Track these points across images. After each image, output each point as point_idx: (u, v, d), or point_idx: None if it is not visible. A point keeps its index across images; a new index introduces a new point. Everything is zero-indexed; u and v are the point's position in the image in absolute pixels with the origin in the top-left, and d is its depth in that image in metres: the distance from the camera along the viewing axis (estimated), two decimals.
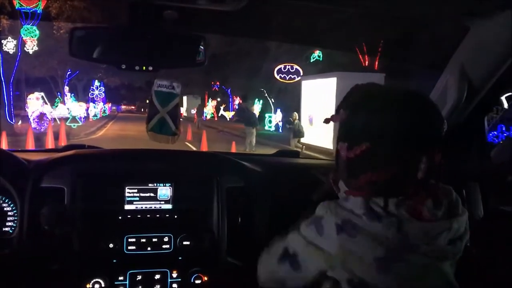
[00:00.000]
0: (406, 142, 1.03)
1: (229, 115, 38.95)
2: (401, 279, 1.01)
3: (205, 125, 27.27)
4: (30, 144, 12.17)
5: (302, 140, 15.61)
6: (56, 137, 14.10)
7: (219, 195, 1.75)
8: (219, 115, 40.82)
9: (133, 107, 68.42)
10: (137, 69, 1.43)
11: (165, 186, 1.72)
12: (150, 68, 1.46)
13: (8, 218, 1.61)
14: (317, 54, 22.05)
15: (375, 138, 1.04)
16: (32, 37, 15.96)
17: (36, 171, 1.63)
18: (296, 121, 15.43)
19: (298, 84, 19.92)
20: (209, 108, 41.34)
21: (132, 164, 1.80)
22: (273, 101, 28.81)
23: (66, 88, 30.67)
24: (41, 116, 17.35)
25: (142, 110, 65.67)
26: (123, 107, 69.38)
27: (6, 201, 1.62)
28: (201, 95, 43.35)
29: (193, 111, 35.97)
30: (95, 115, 32.05)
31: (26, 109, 18.67)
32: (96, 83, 38.24)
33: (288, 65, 22.78)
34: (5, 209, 1.62)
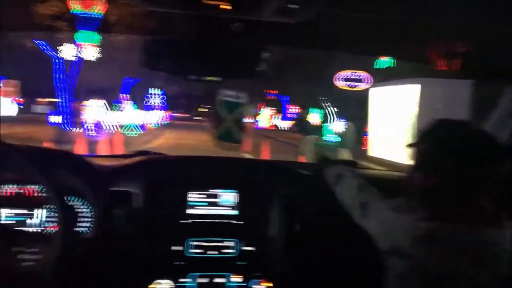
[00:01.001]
0: (480, 181, 1.19)
1: (284, 124, 37.85)
2: None
3: (260, 134, 26.27)
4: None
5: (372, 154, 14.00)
6: (107, 147, 13.50)
7: (278, 202, 1.81)
8: (274, 124, 39.77)
9: (187, 115, 69.20)
10: (204, 80, 1.51)
11: (227, 192, 1.84)
12: (216, 79, 1.52)
13: (82, 220, 1.70)
14: (388, 59, 20.20)
15: (452, 174, 1.20)
16: (90, 42, 15.61)
17: (109, 176, 1.77)
18: (346, 131, 14.53)
19: (366, 92, 18.47)
20: (264, 117, 40.35)
21: (195, 170, 1.90)
22: (335, 110, 27.26)
23: (127, 96, 30.82)
24: (98, 124, 17.00)
25: (201, 118, 66.53)
26: (179, 115, 70.40)
27: (83, 203, 1.71)
28: (256, 104, 42.60)
29: (249, 120, 35.24)
30: (154, 123, 31.95)
31: (84, 116, 18.46)
32: (157, 91, 38.47)
33: (354, 72, 21.09)
34: (79, 210, 1.70)
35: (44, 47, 14.77)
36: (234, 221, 1.83)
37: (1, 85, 16.43)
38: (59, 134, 15.64)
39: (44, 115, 26.20)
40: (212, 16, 1.44)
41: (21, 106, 44.78)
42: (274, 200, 1.82)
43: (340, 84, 21.38)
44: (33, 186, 1.73)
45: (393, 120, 13.54)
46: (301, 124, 15.93)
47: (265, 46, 1.55)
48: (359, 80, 20.81)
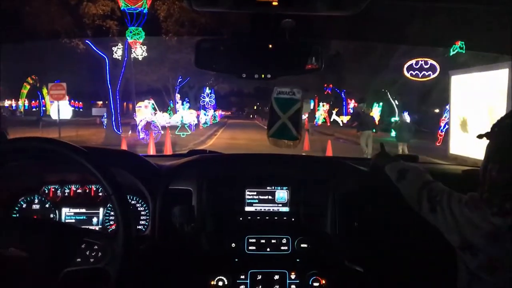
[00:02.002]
0: None
1: (342, 119, 36.36)
2: None
3: (317, 131, 25.00)
4: None
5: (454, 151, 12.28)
6: (159, 148, 12.66)
7: (335, 199, 1.79)
8: (331, 120, 38.39)
9: (229, 113, 69.06)
10: (257, 78, 1.44)
11: (282, 189, 1.83)
12: (269, 76, 1.46)
13: (142, 217, 1.77)
14: (458, 45, 18.09)
15: None
16: (138, 39, 14.83)
17: (167, 175, 1.78)
18: (400, 122, 13.94)
19: (432, 82, 17.11)
20: (321, 112, 38.95)
21: (251, 168, 1.91)
22: (397, 103, 25.36)
23: (177, 96, 30.41)
24: (148, 125, 16.32)
25: (251, 116, 66.28)
26: (230, 113, 70.31)
27: (140, 201, 1.78)
28: (311, 99, 41.19)
29: (304, 117, 34.19)
30: (205, 123, 31.31)
31: (135, 117, 17.87)
32: (207, 90, 38.08)
33: (421, 60, 19.07)
34: (139, 209, 1.77)
35: (95, 48, 14.18)
36: (289, 218, 1.82)
37: (51, 88, 15.95)
38: (111, 136, 15.10)
39: (98, 118, 26.33)
40: (264, 14, 1.42)
41: (80, 109, 46.51)
42: (332, 197, 1.80)
43: (405, 74, 19.50)
44: (93, 186, 1.81)
45: (477, 111, 11.63)
46: (360, 119, 14.85)
47: (318, 41, 1.51)
48: (427, 69, 18.78)
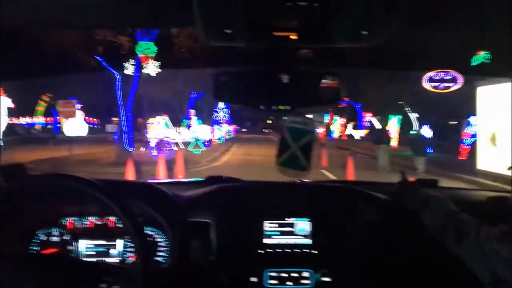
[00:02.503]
0: None
1: (358, 133, 35.93)
2: None
3: (333, 145, 24.33)
4: (130, 175, 10.44)
5: (482, 167, 11.61)
6: (171, 166, 12.20)
7: (357, 230, 1.75)
8: (347, 133, 37.76)
9: (253, 129, 69.13)
10: (275, 110, 1.45)
11: (303, 221, 1.79)
12: (288, 108, 1.47)
13: (160, 249, 1.74)
14: (482, 55, 17.39)
15: None
16: (149, 54, 14.52)
17: (185, 207, 1.78)
18: (416, 135, 13.69)
19: (452, 93, 16.38)
20: (336, 126, 38.33)
21: (270, 198, 1.88)
22: (416, 116, 24.65)
23: (191, 111, 30.08)
24: (160, 142, 15.93)
25: (265, 130, 66.01)
26: (244, 129, 70.19)
27: (158, 233, 1.75)
28: (326, 113, 40.56)
29: (319, 131, 33.69)
30: (219, 138, 30.92)
31: (146, 134, 17.51)
32: (221, 105, 37.78)
33: (442, 72, 18.39)
34: (158, 239, 1.75)
35: (106, 64, 13.84)
36: (310, 251, 1.77)
37: (59, 106, 15.70)
38: (122, 153, 14.69)
39: (111, 134, 26.14)
40: (281, 46, 1.41)
41: (96, 126, 46.74)
42: (354, 227, 1.76)
43: (425, 85, 18.85)
44: (111, 218, 1.81)
45: (508, 124, 10.87)
46: (376, 133, 15.67)
47: (335, 71, 1.46)
48: (448, 80, 18.09)
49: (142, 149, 17.79)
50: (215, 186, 1.96)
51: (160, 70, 18.82)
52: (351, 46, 1.49)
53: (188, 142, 21.10)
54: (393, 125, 26.46)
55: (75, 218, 1.83)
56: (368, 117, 35.71)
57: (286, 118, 1.81)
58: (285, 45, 1.39)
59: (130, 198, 1.38)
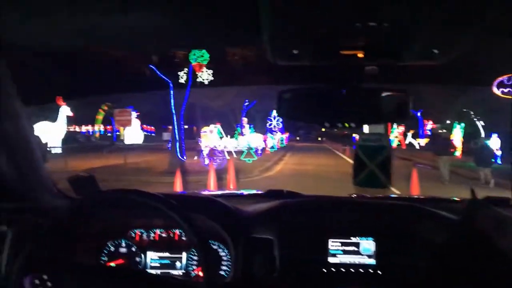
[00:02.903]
0: None
1: (419, 142, 34.53)
2: None
3: (393, 155, 23.04)
4: (178, 186, 10.17)
5: None
6: (222, 175, 11.83)
7: (424, 251, 1.70)
8: (407, 142, 36.19)
9: (306, 137, 68.74)
10: (340, 127, 1.44)
11: (368, 240, 1.74)
12: (353, 125, 1.43)
13: (224, 263, 1.78)
14: None
15: None
16: (202, 62, 14.33)
17: (249, 222, 1.77)
18: (480, 144, 13.25)
19: None
20: (395, 135, 36.77)
21: (334, 216, 1.83)
22: (483, 124, 22.94)
23: (244, 120, 29.90)
24: (212, 151, 15.68)
25: (319, 139, 65.14)
26: (297, 137, 69.68)
27: (222, 247, 1.79)
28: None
29: None
30: (272, 147, 30.43)
31: (199, 143, 17.36)
32: (274, 113, 37.40)
33: None
34: (221, 253, 1.78)
35: (159, 73, 13.81)
36: (375, 271, 1.72)
37: (116, 114, 15.89)
38: (175, 162, 14.58)
39: (166, 142, 26.46)
40: (349, 63, 1.38)
41: (152, 134, 48.00)
42: (421, 248, 1.69)
43: (494, 91, 17.36)
44: (176, 231, 1.86)
45: None
46: (438, 142, 14.21)
47: (403, 88, 1.41)
48: None
49: (195, 158, 17.67)
50: (278, 202, 1.93)
51: (213, 78, 18.79)
52: (420, 64, 1.47)
53: (240, 151, 20.77)
54: (457, 134, 24.93)
55: (142, 230, 1.89)
56: (429, 125, 34.27)
57: (359, 140, 1.75)
58: (351, 63, 1.36)
59: (195, 212, 1.41)
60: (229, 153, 19.94)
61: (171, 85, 14.04)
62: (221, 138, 21.01)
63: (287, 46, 1.28)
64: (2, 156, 1.60)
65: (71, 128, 40.38)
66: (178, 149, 14.37)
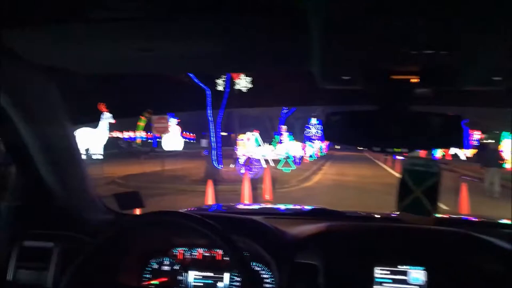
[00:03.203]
0: None
1: (465, 153, 33.20)
2: None
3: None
4: (210, 199, 9.85)
5: None
6: (258, 185, 11.50)
7: (478, 282, 1.60)
8: (452, 153, 34.81)
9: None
10: (390, 152, 1.38)
11: (417, 269, 1.68)
12: (404, 150, 1.38)
13: (266, 286, 1.74)
14: None
15: None
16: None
17: (293, 247, 1.72)
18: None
19: None
20: None
21: (382, 241, 1.77)
22: None
23: (283, 127, 29.55)
24: (248, 160, 15.41)
25: (360, 148, 63.70)
26: (337, 146, 68.54)
27: (264, 269, 1.76)
28: None
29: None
30: (311, 156, 29.89)
31: (236, 151, 17.14)
32: (313, 120, 36.91)
33: None
34: (263, 275, 1.75)
35: (196, 80, 13.73)
36: None
37: (153, 121, 15.93)
38: (211, 170, 14.44)
39: (204, 150, 26.52)
40: (400, 84, 1.32)
41: (192, 141, 48.56)
42: (475, 279, 1.60)
43: None
44: (219, 250, 1.84)
45: None
46: (485, 154, 13.37)
47: (458, 114, 1.31)
48: None
49: (232, 165, 17.46)
50: (324, 226, 1.88)
51: (251, 86, 18.57)
52: (480, 89, 1.43)
53: (278, 159, 20.40)
54: (507, 145, 23.57)
55: (185, 249, 1.88)
56: (476, 135, 32.85)
57: (406, 163, 1.67)
58: (404, 88, 1.31)
59: (237, 234, 1.42)
60: (266, 161, 19.65)
61: (208, 92, 13.94)
62: (258, 146, 20.75)
63: (337, 72, 1.27)
64: (49, 171, 1.67)
65: (114, 134, 41.49)
66: (214, 157, 14.20)
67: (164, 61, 1.47)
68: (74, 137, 1.76)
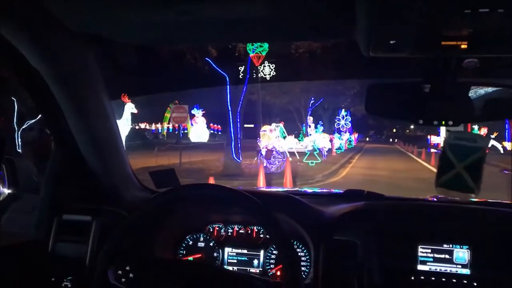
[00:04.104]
0: None
1: (505, 145, 31.21)
2: None
3: None
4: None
5: None
6: (278, 181, 10.49)
7: None
8: (489, 146, 33.07)
9: (377, 138, 66.66)
10: (436, 124, 1.36)
11: (462, 248, 1.67)
12: (450, 123, 1.36)
13: (302, 263, 1.75)
14: None
15: None
16: (261, 53, 13.04)
17: (331, 224, 1.70)
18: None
19: None
20: None
21: (425, 221, 1.74)
22: None
23: (310, 118, 28.36)
24: (268, 152, 14.37)
25: (391, 140, 62.16)
26: (367, 138, 67.23)
27: (301, 247, 1.78)
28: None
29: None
30: (339, 148, 28.52)
31: (258, 143, 16.12)
32: (343, 112, 35.57)
33: None
34: (299, 254, 1.77)
35: (215, 65, 12.72)
36: (469, 282, 1.62)
37: (173, 111, 15.10)
38: (230, 164, 13.50)
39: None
40: (445, 57, 1.31)
41: (219, 132, 48.14)
42: None
43: None
44: (255, 227, 1.86)
45: None
46: None
47: (507, 83, 1.33)
48: None
49: (255, 159, 16.44)
50: (361, 204, 1.84)
51: (275, 73, 17.48)
52: None
53: (303, 152, 19.24)
54: None
55: (220, 225, 1.89)
56: None
57: (449, 137, 1.55)
58: (453, 54, 1.26)
59: (277, 211, 1.38)
60: (292, 154, 18.61)
61: (227, 79, 12.91)
62: (284, 138, 19.69)
63: (384, 36, 1.19)
64: (88, 147, 1.69)
65: (142, 126, 41.51)
66: (234, 150, 13.19)
67: (202, 27, 1.39)
68: (112, 113, 1.73)
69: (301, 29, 1.44)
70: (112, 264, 1.30)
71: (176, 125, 16.84)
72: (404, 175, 14.48)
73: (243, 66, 13.92)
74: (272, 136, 15.98)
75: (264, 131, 16.13)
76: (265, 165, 14.05)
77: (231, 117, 13.11)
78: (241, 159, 13.61)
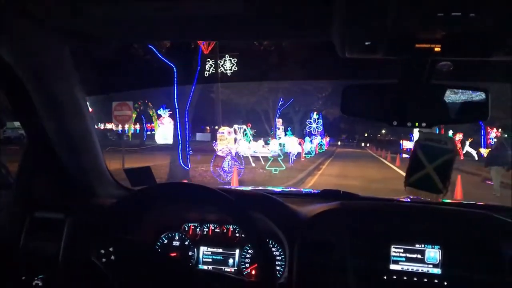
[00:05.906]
0: None
1: (480, 152, 30.82)
2: None
3: (456, 168, 19.03)
4: None
5: None
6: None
7: (494, 263, 1.60)
8: (464, 152, 32.35)
9: (348, 143, 66.25)
10: (409, 126, 1.38)
11: (434, 248, 1.69)
12: (424, 125, 1.37)
13: (277, 263, 1.75)
14: None
15: None
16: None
17: (306, 223, 1.70)
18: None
19: None
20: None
21: (398, 221, 1.77)
22: None
23: (279, 121, 26.58)
24: (236, 157, 12.43)
25: (363, 144, 61.42)
26: (338, 142, 66.42)
27: (276, 246, 1.77)
28: (436, 127, 35.10)
29: None
30: (309, 152, 26.76)
31: (214, 146, 14.10)
32: (315, 115, 34.11)
33: None
34: (274, 253, 1.77)
35: (159, 54, 10.62)
36: (440, 282, 1.65)
37: (115, 109, 12.94)
38: (175, 171, 11.44)
39: (202, 144, 23.60)
40: (420, 58, 1.32)
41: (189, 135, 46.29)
42: (492, 260, 1.61)
43: None
44: (230, 226, 1.86)
45: None
46: (495, 152, 12.88)
47: (482, 87, 1.35)
48: None
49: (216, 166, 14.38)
50: (336, 204, 1.84)
51: (236, 69, 15.49)
52: (507, 59, 1.36)
53: (267, 156, 17.28)
54: None
55: (196, 224, 1.88)
56: (494, 133, 30.60)
57: (420, 138, 1.55)
58: (426, 57, 1.28)
59: (252, 210, 1.42)
60: (257, 159, 16.67)
61: (174, 70, 10.80)
62: (249, 142, 17.75)
63: (359, 38, 1.21)
64: (61, 143, 1.68)
65: (109, 126, 39.24)
66: (181, 155, 11.06)
67: (182, 24, 1.41)
68: (87, 110, 1.70)
69: (278, 29, 1.45)
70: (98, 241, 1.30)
71: (120, 125, 14.62)
72: (380, 186, 12.75)
73: (195, 56, 11.82)
74: (230, 139, 13.99)
75: (221, 133, 14.12)
76: (217, 174, 12.05)
77: (178, 116, 10.98)
78: (189, 166, 11.47)
